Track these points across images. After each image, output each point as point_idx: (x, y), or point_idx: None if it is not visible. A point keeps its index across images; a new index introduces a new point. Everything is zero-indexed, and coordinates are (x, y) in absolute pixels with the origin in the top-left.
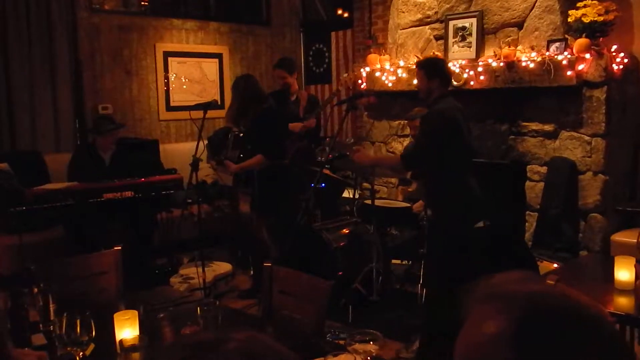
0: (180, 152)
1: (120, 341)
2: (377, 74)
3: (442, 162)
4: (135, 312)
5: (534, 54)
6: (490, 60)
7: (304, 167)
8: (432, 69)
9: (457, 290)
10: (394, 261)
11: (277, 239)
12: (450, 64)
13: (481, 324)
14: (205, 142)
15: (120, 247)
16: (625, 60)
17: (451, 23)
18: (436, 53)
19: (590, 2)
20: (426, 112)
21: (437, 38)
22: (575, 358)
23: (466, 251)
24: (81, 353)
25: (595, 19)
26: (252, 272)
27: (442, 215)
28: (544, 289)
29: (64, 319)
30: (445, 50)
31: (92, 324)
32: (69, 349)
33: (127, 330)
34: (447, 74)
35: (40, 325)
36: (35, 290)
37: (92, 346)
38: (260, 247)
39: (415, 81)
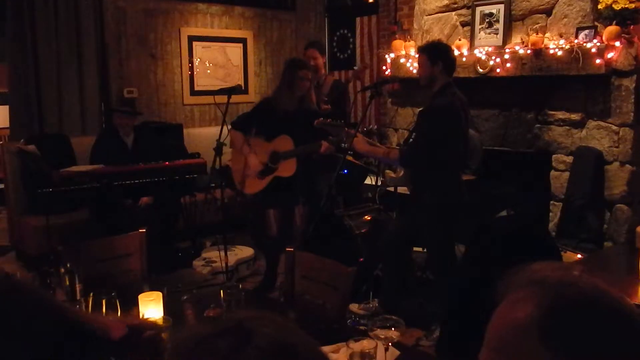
0: (204, 136)
1: None
2: (402, 60)
3: (435, 159)
4: (160, 294)
5: (562, 42)
6: (517, 48)
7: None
8: (436, 52)
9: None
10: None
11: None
12: (476, 51)
13: (513, 308)
14: (229, 127)
15: (144, 230)
16: None
17: (478, 9)
18: (462, 39)
19: None
20: (428, 106)
21: (463, 24)
22: (601, 350)
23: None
24: None
25: (626, 5)
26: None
27: (426, 204)
28: (574, 279)
29: (90, 299)
30: (472, 36)
31: (118, 304)
32: None
33: (151, 311)
34: (451, 59)
35: None
36: (62, 270)
37: None
38: (274, 241)
39: None
